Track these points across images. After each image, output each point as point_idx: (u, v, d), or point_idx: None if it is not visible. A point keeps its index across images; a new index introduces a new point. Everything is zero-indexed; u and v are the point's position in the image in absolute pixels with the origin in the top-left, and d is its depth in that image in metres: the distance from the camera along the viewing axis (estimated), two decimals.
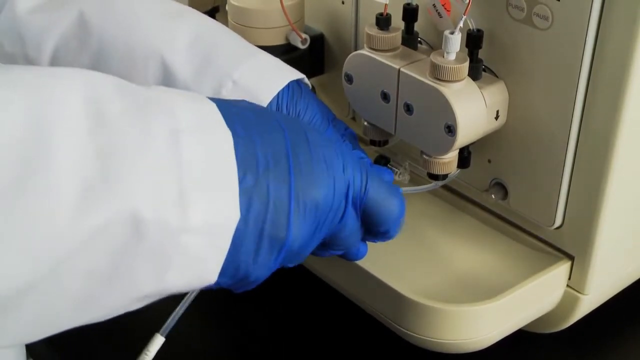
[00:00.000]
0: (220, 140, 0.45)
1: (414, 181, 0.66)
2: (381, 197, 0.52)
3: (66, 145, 0.39)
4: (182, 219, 0.42)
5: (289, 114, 0.58)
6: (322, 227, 0.49)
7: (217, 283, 0.46)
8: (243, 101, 0.50)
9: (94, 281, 0.41)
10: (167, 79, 0.58)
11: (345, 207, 0.50)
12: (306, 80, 0.61)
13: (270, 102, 0.57)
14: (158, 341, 0.51)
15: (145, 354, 0.50)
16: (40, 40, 0.60)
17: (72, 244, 0.39)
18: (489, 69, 0.59)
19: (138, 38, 0.59)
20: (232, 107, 0.47)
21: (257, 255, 0.46)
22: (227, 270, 0.45)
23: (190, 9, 0.64)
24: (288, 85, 0.58)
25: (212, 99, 0.48)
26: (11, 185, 0.37)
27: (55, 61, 0.60)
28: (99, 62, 0.59)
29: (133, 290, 0.43)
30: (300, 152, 0.47)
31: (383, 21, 0.60)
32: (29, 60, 0.60)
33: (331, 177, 0.48)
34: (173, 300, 0.49)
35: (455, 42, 0.55)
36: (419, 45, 0.62)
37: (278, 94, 0.58)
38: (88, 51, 0.59)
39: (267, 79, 0.58)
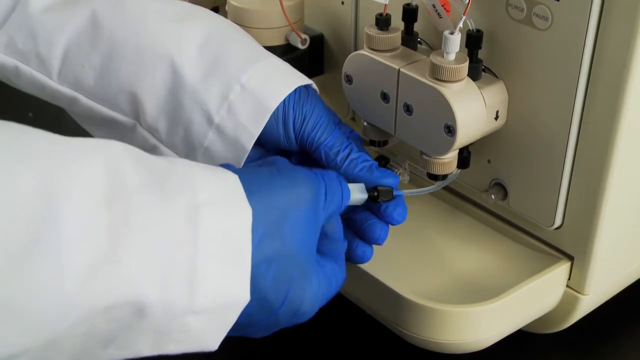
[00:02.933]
0: (239, 218, 0.45)
1: (414, 182, 0.66)
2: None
3: (76, 218, 0.38)
4: (189, 301, 0.42)
5: (295, 116, 0.58)
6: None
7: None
8: (264, 173, 0.50)
9: (90, 346, 0.41)
10: (176, 82, 0.58)
11: None
12: (314, 85, 0.61)
13: (277, 106, 0.58)
14: None
15: None
16: (52, 38, 0.60)
17: (71, 320, 0.39)
18: (488, 69, 0.59)
19: (148, 40, 0.59)
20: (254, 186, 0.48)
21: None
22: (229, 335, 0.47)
23: (203, 9, 0.63)
24: (295, 90, 0.58)
25: (234, 170, 0.48)
26: (15, 258, 0.36)
27: (66, 60, 0.60)
28: (109, 63, 0.59)
29: (130, 354, 0.43)
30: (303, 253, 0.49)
31: (383, 21, 0.59)
32: (40, 58, 0.60)
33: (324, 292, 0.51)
34: None
35: (454, 42, 0.55)
36: (418, 45, 0.62)
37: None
38: (98, 51, 0.59)
39: (274, 84, 0.58)
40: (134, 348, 0.43)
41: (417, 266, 0.64)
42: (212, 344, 0.46)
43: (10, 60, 0.61)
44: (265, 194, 0.47)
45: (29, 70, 0.61)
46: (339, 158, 0.58)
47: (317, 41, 0.73)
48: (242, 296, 0.45)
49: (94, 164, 0.40)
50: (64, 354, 0.40)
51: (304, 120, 0.58)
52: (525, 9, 0.55)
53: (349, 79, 0.62)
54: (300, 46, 0.69)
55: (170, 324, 0.42)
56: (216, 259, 0.43)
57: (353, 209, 0.57)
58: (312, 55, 0.72)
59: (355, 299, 0.65)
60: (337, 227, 0.54)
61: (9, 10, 0.61)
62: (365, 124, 0.64)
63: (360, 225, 0.57)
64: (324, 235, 0.53)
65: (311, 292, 0.50)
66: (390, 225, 0.58)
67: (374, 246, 0.58)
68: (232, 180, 0.46)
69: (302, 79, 0.59)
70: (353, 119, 0.74)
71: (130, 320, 0.41)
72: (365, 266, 0.60)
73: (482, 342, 0.61)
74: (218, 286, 0.43)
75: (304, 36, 0.69)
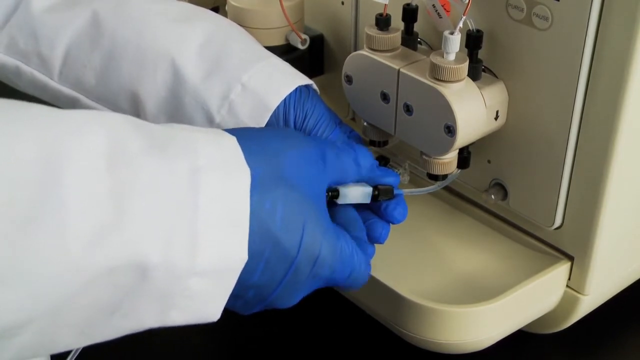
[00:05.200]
0: (238, 181, 0.45)
1: (414, 182, 0.66)
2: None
3: (80, 182, 0.38)
4: (190, 262, 0.42)
5: (295, 114, 0.58)
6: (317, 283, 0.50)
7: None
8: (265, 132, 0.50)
9: (95, 315, 0.41)
10: (177, 82, 0.58)
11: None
12: (314, 85, 0.61)
13: (278, 105, 0.58)
14: None
15: None
16: (54, 38, 0.60)
17: (76, 285, 0.39)
18: (488, 69, 0.59)
19: (149, 40, 0.59)
20: (253, 145, 0.47)
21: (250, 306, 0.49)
22: (231, 303, 0.47)
23: (204, 10, 0.64)
24: (296, 89, 0.59)
25: (233, 131, 0.48)
26: (19, 225, 0.36)
27: (67, 60, 0.60)
28: (110, 62, 0.59)
29: (135, 324, 0.43)
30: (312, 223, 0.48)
31: (383, 22, 0.60)
32: (41, 58, 0.60)
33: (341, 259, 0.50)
34: None
35: (454, 42, 0.55)
36: (418, 45, 0.62)
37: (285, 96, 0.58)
38: (100, 51, 0.60)
39: (275, 83, 0.58)
40: (138, 316, 0.43)
41: (417, 266, 0.64)
42: (214, 311, 0.46)
43: (11, 61, 0.61)
44: (260, 140, 0.48)
45: (30, 71, 0.61)
46: None
47: (317, 41, 0.73)
48: (240, 257, 0.45)
49: (95, 130, 0.41)
50: (70, 326, 0.41)
51: (305, 119, 0.58)
52: (525, 9, 0.55)
53: (349, 79, 0.62)
54: (300, 46, 0.69)
55: (172, 287, 0.42)
56: (216, 220, 0.43)
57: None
58: (312, 55, 0.72)
59: (355, 299, 0.65)
60: (352, 215, 0.54)
61: (11, 10, 0.61)
62: (365, 124, 0.64)
63: None
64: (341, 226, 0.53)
65: (329, 237, 0.49)
66: (390, 224, 0.58)
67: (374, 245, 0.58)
68: (231, 143, 0.46)
69: (302, 79, 0.59)
70: (353, 119, 0.74)
71: (133, 284, 0.41)
72: None
73: (482, 342, 0.61)
74: (218, 248, 0.43)
75: (304, 36, 0.69)
